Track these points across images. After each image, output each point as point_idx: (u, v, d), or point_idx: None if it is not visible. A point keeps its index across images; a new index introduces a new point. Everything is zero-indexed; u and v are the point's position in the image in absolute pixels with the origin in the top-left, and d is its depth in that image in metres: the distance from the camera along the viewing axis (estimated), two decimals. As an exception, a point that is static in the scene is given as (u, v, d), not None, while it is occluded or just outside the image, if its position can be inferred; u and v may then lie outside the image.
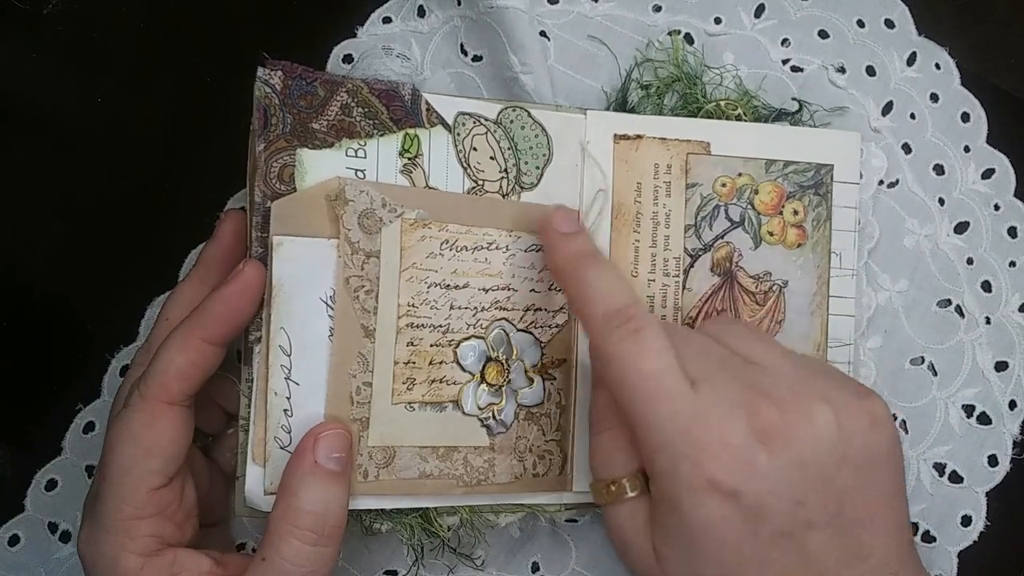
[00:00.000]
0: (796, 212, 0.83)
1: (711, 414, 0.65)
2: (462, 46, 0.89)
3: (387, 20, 0.90)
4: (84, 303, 0.88)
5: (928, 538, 0.89)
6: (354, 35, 0.89)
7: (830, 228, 0.84)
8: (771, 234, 0.83)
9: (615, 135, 0.82)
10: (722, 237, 0.83)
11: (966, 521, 0.89)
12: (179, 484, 0.72)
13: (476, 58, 0.89)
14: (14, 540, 0.85)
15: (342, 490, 0.70)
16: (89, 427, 0.86)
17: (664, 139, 0.83)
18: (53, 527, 0.86)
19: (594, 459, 0.75)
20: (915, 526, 0.88)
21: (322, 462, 0.70)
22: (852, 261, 0.85)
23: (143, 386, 0.70)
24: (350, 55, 0.89)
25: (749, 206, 0.83)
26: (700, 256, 0.83)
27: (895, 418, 0.88)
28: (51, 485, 0.86)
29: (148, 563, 0.68)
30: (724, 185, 0.83)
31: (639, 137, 0.82)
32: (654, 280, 0.82)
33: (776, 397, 0.66)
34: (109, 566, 0.68)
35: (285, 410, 0.72)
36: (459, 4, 0.88)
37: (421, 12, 0.90)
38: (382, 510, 0.77)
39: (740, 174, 0.83)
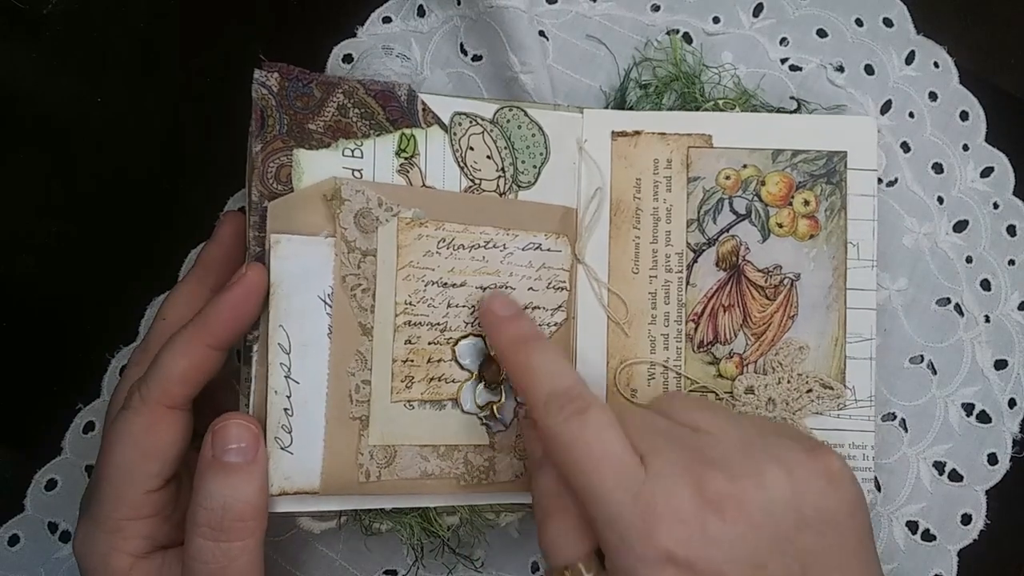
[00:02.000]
0: (807, 202, 0.82)
1: (660, 486, 0.63)
2: (462, 46, 0.89)
3: (387, 20, 0.90)
4: (84, 303, 0.88)
5: (928, 537, 0.89)
6: (354, 35, 0.89)
7: (845, 218, 0.82)
8: (780, 226, 0.82)
9: (613, 132, 0.82)
10: (727, 231, 0.82)
11: (966, 519, 0.89)
12: (175, 485, 0.72)
13: (476, 58, 0.89)
14: (14, 540, 0.85)
15: (245, 482, 0.69)
16: (89, 427, 0.87)
17: (663, 134, 0.82)
18: (53, 527, 0.86)
19: (545, 547, 0.70)
20: (915, 525, 0.89)
21: (218, 455, 0.68)
22: (871, 252, 0.83)
23: (144, 389, 0.69)
24: (350, 55, 0.89)
25: (756, 198, 0.82)
26: (704, 251, 0.82)
27: (893, 416, 0.89)
28: (51, 485, 0.86)
29: (137, 564, 0.69)
30: (728, 178, 0.82)
31: (637, 133, 0.82)
32: (655, 276, 0.81)
33: (724, 463, 0.64)
34: (100, 564, 0.69)
35: (285, 409, 0.72)
36: (459, 4, 0.88)
37: (421, 12, 0.90)
38: (382, 510, 0.77)
39: (745, 165, 0.82)
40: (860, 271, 0.82)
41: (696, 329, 0.82)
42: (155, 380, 0.69)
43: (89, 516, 0.70)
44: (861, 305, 0.82)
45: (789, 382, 0.81)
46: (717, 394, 0.82)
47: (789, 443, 0.67)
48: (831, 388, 0.81)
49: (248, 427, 0.70)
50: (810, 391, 0.81)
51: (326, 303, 0.73)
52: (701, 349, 0.82)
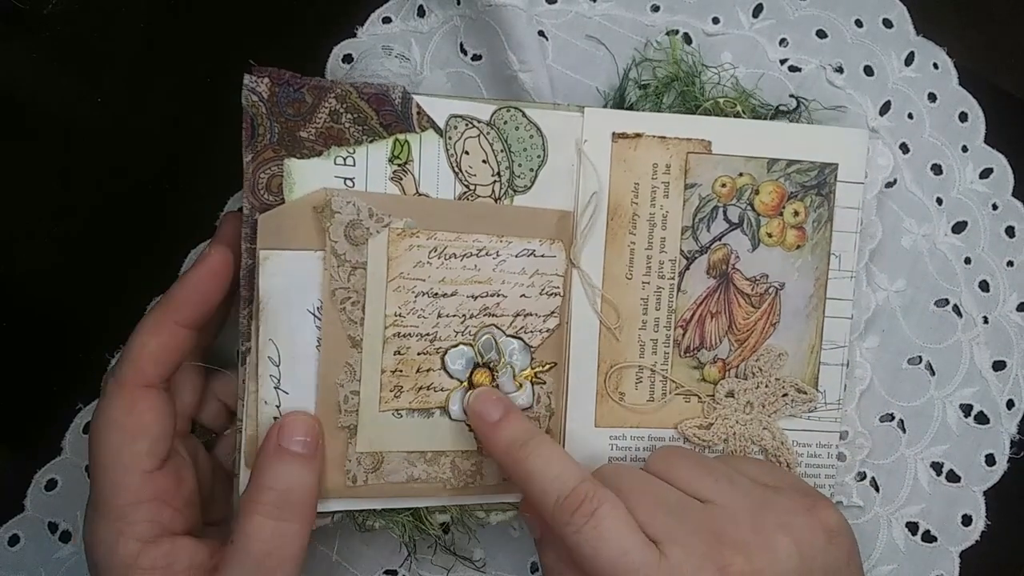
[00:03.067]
0: (797, 213, 0.83)
1: None
2: (461, 45, 0.89)
3: (387, 20, 0.90)
4: (84, 303, 0.89)
5: (928, 538, 0.89)
6: (354, 35, 0.89)
7: (831, 230, 0.83)
8: (770, 236, 0.83)
9: (613, 133, 0.81)
10: (720, 239, 0.83)
11: (967, 521, 0.89)
12: (175, 469, 0.73)
13: (475, 57, 0.89)
14: (14, 540, 0.86)
15: (307, 470, 0.72)
16: (89, 427, 0.86)
17: (664, 138, 0.82)
18: (53, 527, 0.86)
19: None
20: (915, 526, 0.89)
21: (284, 444, 0.71)
22: (851, 263, 0.84)
23: (118, 372, 0.71)
24: (350, 55, 0.89)
25: (749, 207, 0.83)
26: (696, 258, 0.82)
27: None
28: (51, 485, 0.87)
29: (145, 549, 0.69)
30: (724, 186, 0.82)
31: (638, 136, 0.81)
32: (648, 283, 0.82)
33: (738, 540, 0.69)
34: (108, 553, 0.69)
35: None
36: (458, 3, 0.88)
37: (421, 12, 0.90)
38: (374, 509, 0.78)
39: (741, 174, 0.82)
40: (840, 281, 0.84)
41: (684, 335, 0.83)
42: (128, 362, 0.71)
43: (92, 507, 0.71)
44: (838, 314, 0.85)
45: (767, 387, 0.83)
46: (700, 397, 0.83)
47: (788, 503, 0.72)
48: (805, 393, 0.84)
49: (313, 423, 0.74)
50: (785, 395, 0.84)
51: (315, 316, 0.74)
52: (687, 354, 0.83)
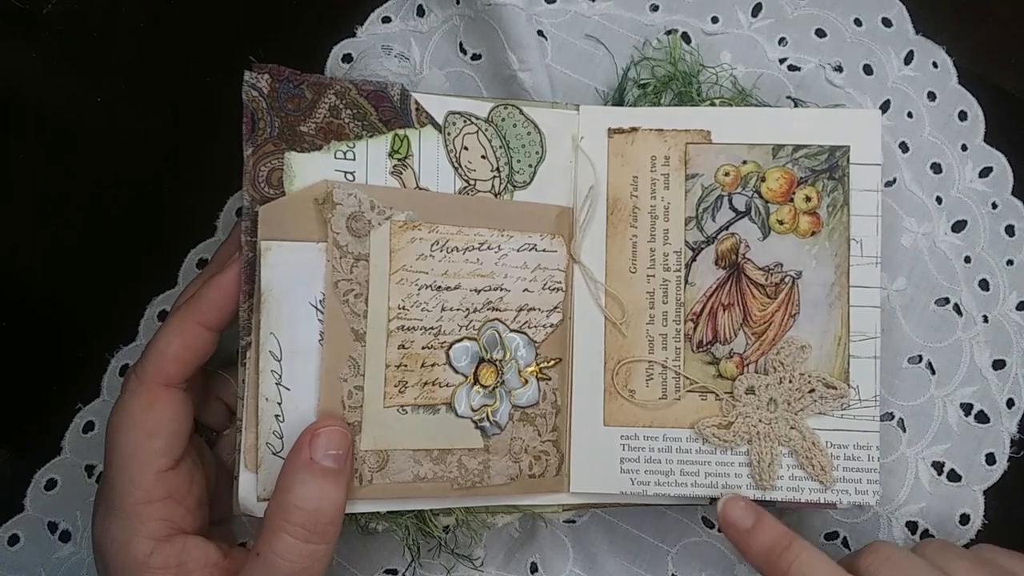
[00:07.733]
0: (808, 199, 0.81)
1: None
2: (461, 45, 0.89)
3: (386, 20, 0.90)
4: (84, 303, 0.89)
5: (927, 536, 0.88)
6: (354, 35, 0.90)
7: (848, 214, 0.81)
8: (781, 223, 0.81)
9: (609, 129, 0.82)
10: (726, 228, 0.81)
11: (964, 520, 0.89)
12: (187, 468, 0.73)
13: (475, 56, 0.89)
14: (14, 540, 0.86)
15: (337, 488, 0.70)
16: (89, 427, 0.87)
17: (661, 130, 0.82)
18: (53, 527, 0.86)
19: None
20: (914, 525, 0.88)
21: (317, 459, 0.70)
22: (875, 248, 0.81)
23: (140, 370, 0.71)
24: (349, 55, 0.89)
25: (756, 194, 0.81)
26: (703, 249, 0.81)
27: (891, 416, 0.89)
28: (51, 485, 0.87)
29: (158, 548, 0.69)
30: (727, 174, 0.81)
31: (634, 130, 0.82)
32: (653, 276, 0.81)
33: None
34: (120, 551, 0.69)
35: (276, 415, 0.73)
36: (458, 3, 0.88)
37: (420, 11, 0.90)
38: (378, 511, 0.78)
39: (745, 161, 0.82)
40: (863, 268, 0.81)
41: (695, 328, 0.81)
42: (150, 360, 0.71)
43: (104, 506, 0.71)
44: (865, 303, 0.81)
45: (791, 382, 0.80)
46: (717, 394, 0.81)
47: None
48: (834, 388, 0.80)
49: (346, 435, 0.72)
50: (812, 391, 0.80)
51: (318, 309, 0.73)
52: (700, 349, 0.81)
